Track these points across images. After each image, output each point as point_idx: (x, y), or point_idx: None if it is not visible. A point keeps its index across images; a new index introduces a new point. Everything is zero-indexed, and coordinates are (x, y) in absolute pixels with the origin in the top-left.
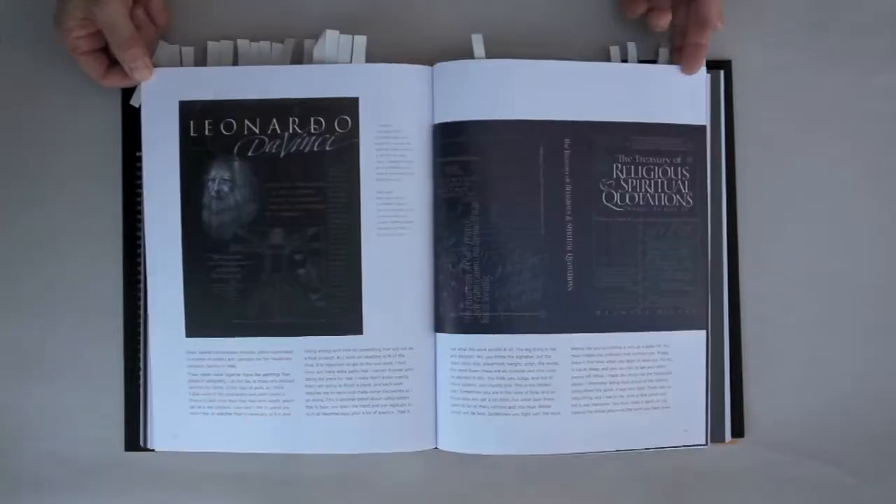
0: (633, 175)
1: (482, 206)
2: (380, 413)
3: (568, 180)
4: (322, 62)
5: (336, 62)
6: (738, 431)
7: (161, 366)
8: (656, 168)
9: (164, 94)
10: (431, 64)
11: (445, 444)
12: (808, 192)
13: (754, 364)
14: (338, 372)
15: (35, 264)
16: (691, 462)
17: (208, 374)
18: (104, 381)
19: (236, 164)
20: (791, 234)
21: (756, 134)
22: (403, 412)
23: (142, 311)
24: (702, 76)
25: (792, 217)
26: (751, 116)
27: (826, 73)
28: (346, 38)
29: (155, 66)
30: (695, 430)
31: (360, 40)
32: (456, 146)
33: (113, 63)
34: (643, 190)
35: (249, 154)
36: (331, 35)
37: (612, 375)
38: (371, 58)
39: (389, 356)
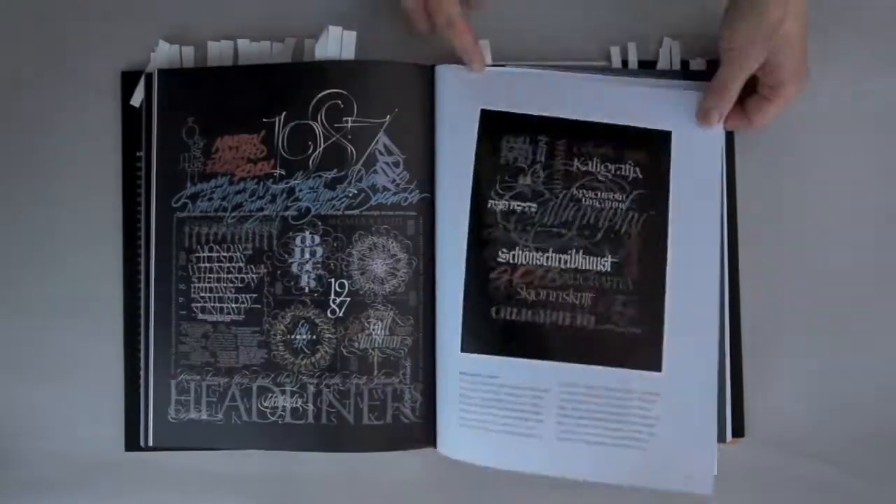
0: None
1: None
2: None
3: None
4: (325, 59)
5: (339, 58)
6: (738, 431)
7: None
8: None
9: None
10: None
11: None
12: (808, 193)
13: (754, 364)
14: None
15: (35, 264)
16: None
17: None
18: (104, 381)
19: None
20: (791, 235)
21: (756, 135)
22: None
23: (142, 312)
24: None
25: (792, 217)
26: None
27: (826, 73)
28: (350, 34)
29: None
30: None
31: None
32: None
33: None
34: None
35: None
36: (333, 31)
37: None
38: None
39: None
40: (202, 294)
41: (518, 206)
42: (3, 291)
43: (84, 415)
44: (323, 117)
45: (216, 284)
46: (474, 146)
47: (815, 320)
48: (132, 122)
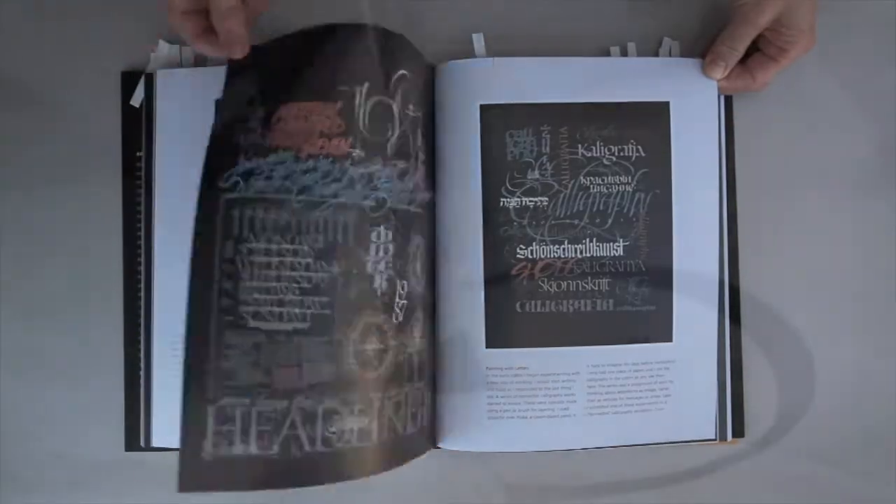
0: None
1: None
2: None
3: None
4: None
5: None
6: (738, 431)
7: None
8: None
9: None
10: (431, 63)
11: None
12: (808, 193)
13: (754, 364)
14: None
15: (35, 264)
16: (691, 462)
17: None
18: (104, 381)
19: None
20: (791, 234)
21: (756, 134)
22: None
23: (142, 311)
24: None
25: (792, 217)
26: (751, 116)
27: (826, 74)
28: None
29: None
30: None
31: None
32: None
33: (210, 28)
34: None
35: None
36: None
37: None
38: None
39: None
40: (255, 296)
41: (530, 201)
42: (4, 291)
43: (84, 415)
44: (400, 98)
45: (275, 284)
46: (478, 144)
47: (815, 320)
48: (132, 122)
